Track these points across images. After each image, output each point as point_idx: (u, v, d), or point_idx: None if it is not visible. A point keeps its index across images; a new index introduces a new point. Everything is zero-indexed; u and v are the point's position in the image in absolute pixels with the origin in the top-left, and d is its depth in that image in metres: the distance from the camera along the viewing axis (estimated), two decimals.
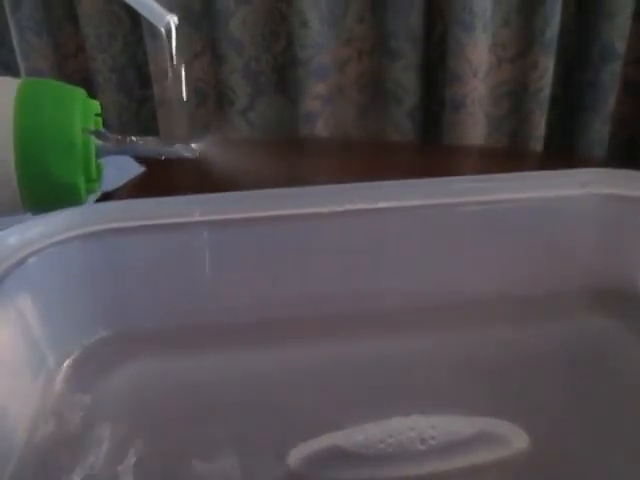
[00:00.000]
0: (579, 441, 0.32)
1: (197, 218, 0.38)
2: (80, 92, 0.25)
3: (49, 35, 0.77)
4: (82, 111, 0.24)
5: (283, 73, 0.76)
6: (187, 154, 0.26)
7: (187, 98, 0.26)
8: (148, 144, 0.26)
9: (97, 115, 0.26)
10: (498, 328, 0.39)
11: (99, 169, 0.25)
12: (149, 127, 0.79)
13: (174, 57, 0.24)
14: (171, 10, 0.27)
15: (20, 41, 0.76)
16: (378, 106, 0.76)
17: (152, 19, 0.24)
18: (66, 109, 0.23)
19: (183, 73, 0.25)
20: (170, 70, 0.24)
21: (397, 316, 0.39)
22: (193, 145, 0.26)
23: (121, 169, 0.60)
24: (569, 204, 0.40)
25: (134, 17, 0.75)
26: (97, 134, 0.24)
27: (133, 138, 0.26)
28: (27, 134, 0.22)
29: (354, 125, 0.78)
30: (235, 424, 0.34)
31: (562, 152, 0.77)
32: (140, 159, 0.62)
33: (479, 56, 0.71)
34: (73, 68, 0.79)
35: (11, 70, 0.78)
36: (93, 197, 0.54)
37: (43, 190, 0.23)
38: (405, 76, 0.74)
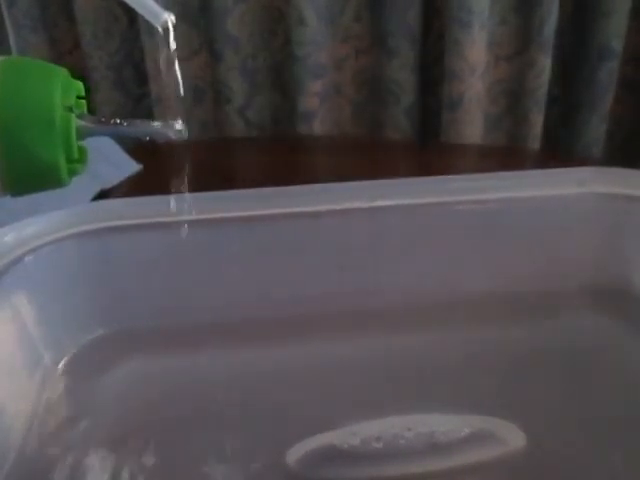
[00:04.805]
0: (577, 440, 0.32)
1: (194, 216, 0.38)
2: (61, 71, 0.24)
3: (45, 32, 0.76)
4: (63, 89, 0.24)
5: (280, 71, 0.75)
6: (175, 135, 0.26)
7: (183, 96, 0.26)
8: (133, 126, 0.25)
9: (81, 98, 0.25)
10: (497, 327, 0.39)
11: (82, 151, 0.25)
12: None
13: (174, 54, 0.24)
14: (168, 8, 0.26)
15: (16, 38, 0.75)
16: (375, 104, 0.76)
17: (149, 17, 0.24)
18: (46, 86, 0.23)
19: (178, 71, 0.25)
20: (165, 68, 0.24)
21: (395, 315, 0.39)
22: (181, 126, 0.25)
23: (118, 167, 0.60)
24: (567, 202, 0.40)
25: (131, 14, 0.74)
26: (79, 114, 0.24)
27: (117, 120, 0.25)
28: (5, 111, 0.22)
29: (351, 123, 0.78)
30: (233, 423, 0.34)
31: (559, 151, 0.77)
32: (137, 157, 0.61)
33: (476, 54, 0.71)
34: (69, 65, 0.78)
35: None
36: (87, 192, 0.54)
37: (22, 170, 0.23)
38: (402, 74, 0.74)
